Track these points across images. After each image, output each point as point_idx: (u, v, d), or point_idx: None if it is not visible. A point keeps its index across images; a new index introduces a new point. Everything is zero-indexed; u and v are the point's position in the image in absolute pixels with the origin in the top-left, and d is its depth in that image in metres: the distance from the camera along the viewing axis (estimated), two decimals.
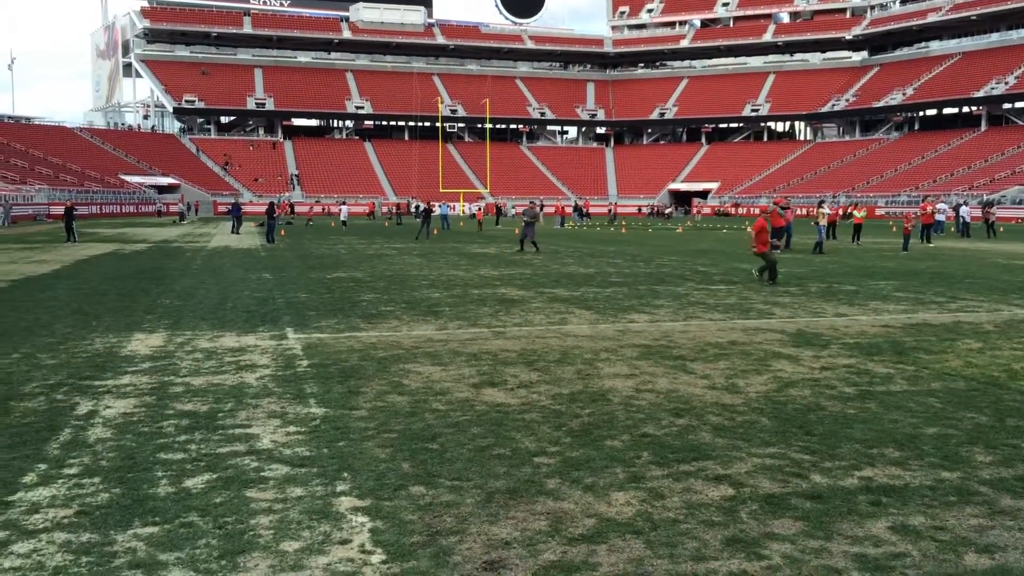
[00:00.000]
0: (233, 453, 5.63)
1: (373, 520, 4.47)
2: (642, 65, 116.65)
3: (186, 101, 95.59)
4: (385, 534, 4.28)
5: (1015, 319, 12.08)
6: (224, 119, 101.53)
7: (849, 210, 40.96)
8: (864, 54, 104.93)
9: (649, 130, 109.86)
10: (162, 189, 79.15)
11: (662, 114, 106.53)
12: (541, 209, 26.70)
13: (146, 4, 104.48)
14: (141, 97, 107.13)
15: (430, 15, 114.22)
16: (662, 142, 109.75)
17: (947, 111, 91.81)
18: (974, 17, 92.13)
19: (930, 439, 5.96)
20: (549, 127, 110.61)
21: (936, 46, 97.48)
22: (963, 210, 41.48)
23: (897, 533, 4.28)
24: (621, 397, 7.27)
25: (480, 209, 55.14)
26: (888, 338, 10.36)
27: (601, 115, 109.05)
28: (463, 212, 78.54)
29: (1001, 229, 43.03)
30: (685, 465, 5.38)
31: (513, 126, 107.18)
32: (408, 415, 6.64)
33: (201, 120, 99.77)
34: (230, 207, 44.27)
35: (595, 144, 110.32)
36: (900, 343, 9.98)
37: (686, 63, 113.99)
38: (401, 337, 10.46)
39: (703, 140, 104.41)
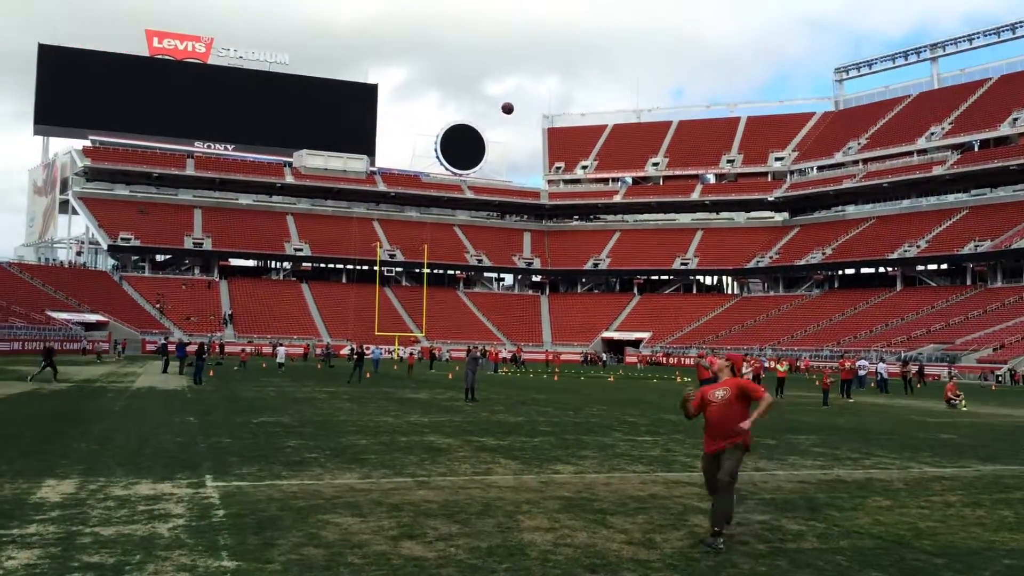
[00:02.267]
0: None
1: None
2: (577, 217, 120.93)
3: (121, 239, 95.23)
4: None
5: (924, 477, 12.52)
6: (160, 257, 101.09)
7: (771, 364, 42.14)
8: (785, 215, 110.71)
9: (583, 279, 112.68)
10: (90, 326, 77.48)
11: (596, 264, 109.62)
12: (484, 355, 26.72)
13: (88, 143, 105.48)
14: (76, 233, 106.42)
15: (372, 163, 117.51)
16: (596, 291, 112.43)
17: (864, 271, 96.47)
18: (886, 185, 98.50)
19: None
20: (486, 274, 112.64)
21: (852, 210, 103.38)
22: (881, 366, 43.04)
23: None
24: (539, 551, 7.32)
25: (411, 354, 55.17)
26: (803, 494, 10.63)
27: (537, 263, 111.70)
28: (397, 356, 78.39)
29: (919, 385, 44.65)
30: None
31: (451, 271, 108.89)
32: (323, 568, 6.57)
33: (136, 258, 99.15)
34: (176, 345, 43.55)
35: (531, 291, 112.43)
36: (814, 499, 10.25)
37: (619, 217, 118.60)
38: (323, 486, 10.36)
39: (635, 291, 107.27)
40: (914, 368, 44.15)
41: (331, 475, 11.22)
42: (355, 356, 38.63)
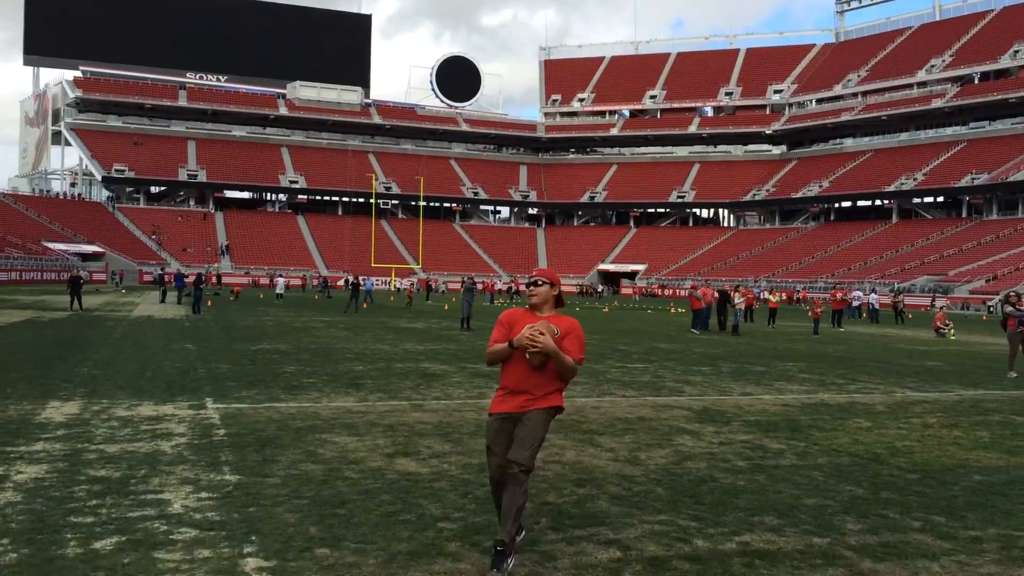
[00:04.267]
0: (143, 517, 5.76)
1: None
2: (573, 150, 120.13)
3: (116, 170, 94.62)
4: None
5: (906, 401, 12.85)
6: (154, 189, 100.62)
7: (764, 294, 42.44)
8: (783, 148, 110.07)
9: (579, 212, 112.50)
10: (86, 257, 77.57)
11: (592, 197, 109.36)
12: (472, 287, 26.79)
13: (79, 74, 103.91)
14: (70, 165, 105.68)
15: (367, 95, 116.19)
16: (592, 224, 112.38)
17: (861, 203, 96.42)
18: (884, 117, 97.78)
19: (808, 508, 6.43)
20: (482, 207, 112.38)
21: (850, 143, 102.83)
22: (873, 297, 43.39)
23: None
24: None
25: (411, 284, 55.43)
26: (786, 416, 10.95)
27: (533, 196, 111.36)
28: (394, 287, 78.69)
29: (910, 316, 45.12)
30: (579, 530, 5.72)
31: (447, 204, 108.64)
32: (320, 483, 6.84)
33: (130, 189, 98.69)
34: (174, 276, 43.84)
35: (527, 224, 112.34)
36: (796, 421, 10.57)
37: (615, 150, 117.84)
38: (320, 408, 10.64)
39: (631, 224, 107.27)
40: (903, 299, 44.49)
41: (328, 399, 11.50)
42: (351, 287, 38.90)
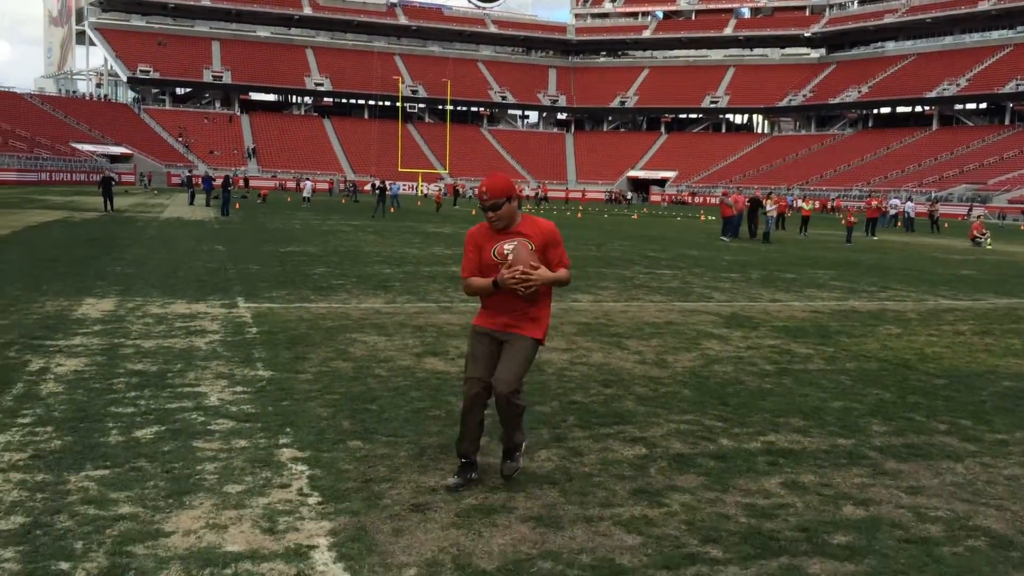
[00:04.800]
0: (181, 409, 5.92)
1: (312, 469, 4.81)
2: (604, 53, 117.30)
3: (141, 71, 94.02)
4: (322, 480, 4.63)
5: (938, 308, 12.75)
6: (179, 91, 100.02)
7: (797, 202, 41.84)
8: (822, 51, 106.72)
9: (609, 117, 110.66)
10: (115, 158, 77.87)
11: (623, 102, 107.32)
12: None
13: None
14: (94, 65, 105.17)
15: None
16: (622, 130, 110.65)
17: (900, 110, 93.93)
18: (929, 20, 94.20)
19: (834, 411, 6.47)
20: (510, 111, 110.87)
21: (891, 47, 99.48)
22: (908, 205, 42.69)
23: (787, 488, 4.75)
24: (555, 368, 7.68)
25: (439, 190, 55.22)
26: (815, 322, 10.92)
27: (562, 101, 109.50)
28: (421, 193, 78.51)
29: (946, 225, 44.42)
30: (606, 428, 5.81)
31: (474, 109, 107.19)
32: (351, 379, 6.97)
33: (156, 91, 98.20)
34: (202, 178, 44.02)
35: (556, 129, 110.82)
36: (825, 327, 10.54)
37: (648, 53, 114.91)
38: (350, 309, 10.76)
39: (662, 129, 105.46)
40: (940, 208, 43.71)
41: (357, 300, 11.61)
42: (377, 191, 38.86)
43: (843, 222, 31.97)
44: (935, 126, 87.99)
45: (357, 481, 4.63)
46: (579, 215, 48.36)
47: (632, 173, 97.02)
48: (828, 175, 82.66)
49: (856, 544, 4.00)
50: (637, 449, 5.36)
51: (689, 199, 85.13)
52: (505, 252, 4.52)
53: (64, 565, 3.52)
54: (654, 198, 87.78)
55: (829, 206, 67.44)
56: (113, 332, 8.63)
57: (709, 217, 49.13)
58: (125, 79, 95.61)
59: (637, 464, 5.07)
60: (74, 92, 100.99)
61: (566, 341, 9.06)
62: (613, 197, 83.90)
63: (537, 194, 69.00)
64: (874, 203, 37.03)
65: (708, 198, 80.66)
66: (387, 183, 44.47)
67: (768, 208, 29.97)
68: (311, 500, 4.34)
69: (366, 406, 6.16)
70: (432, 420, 5.88)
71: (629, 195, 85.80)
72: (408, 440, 5.41)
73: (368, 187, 73.42)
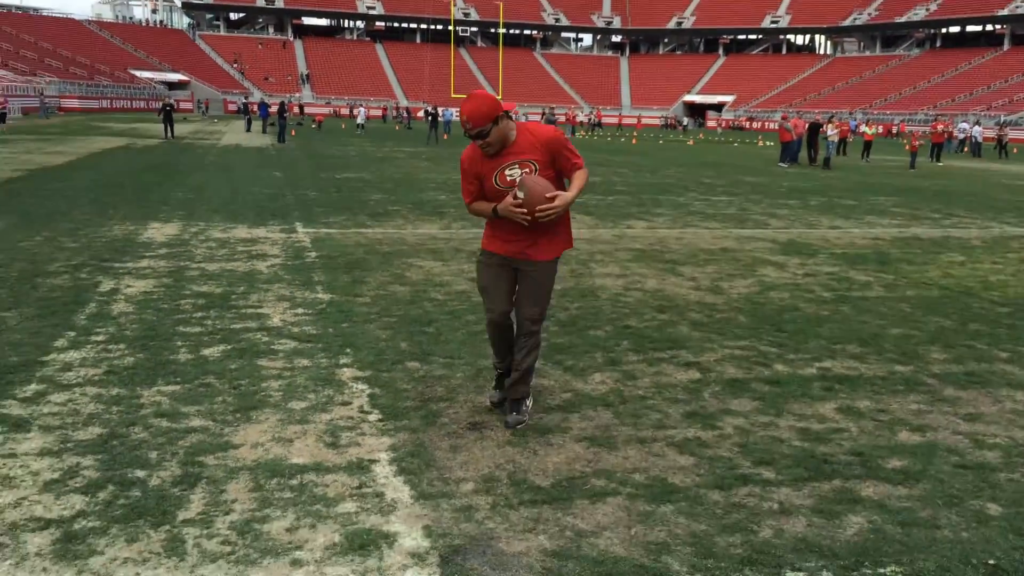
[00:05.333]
0: (246, 329, 6.10)
1: (372, 387, 4.95)
2: None
3: None
4: (382, 399, 4.77)
5: (1004, 236, 12.40)
6: (233, 16, 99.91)
7: (860, 127, 40.64)
8: None
9: (665, 39, 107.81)
10: (172, 85, 78.61)
11: (679, 23, 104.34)
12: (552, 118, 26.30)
13: None
14: None
15: None
16: (678, 52, 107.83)
17: (970, 29, 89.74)
18: None
19: (892, 338, 6.40)
20: (563, 34, 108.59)
21: None
22: (976, 130, 41.18)
23: (841, 413, 4.75)
24: (609, 294, 7.71)
25: None
26: (875, 249, 10.72)
27: (617, 23, 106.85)
28: None
29: (1015, 150, 42.80)
30: (660, 353, 5.84)
31: (527, 32, 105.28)
32: (408, 303, 7.09)
33: (210, 16, 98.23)
34: (258, 105, 44.31)
35: (610, 52, 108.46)
36: (885, 254, 10.35)
37: None
38: (406, 234, 10.86)
39: (720, 51, 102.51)
40: (1009, 133, 42.04)
41: (413, 225, 11.71)
42: (429, 117, 38.70)
43: (907, 147, 31.00)
44: (1006, 46, 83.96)
45: (415, 400, 4.76)
46: (633, 141, 47.66)
47: (688, 98, 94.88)
48: (892, 98, 79.84)
49: (911, 468, 4.01)
50: (691, 373, 5.40)
51: (747, 124, 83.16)
52: (508, 178, 4.15)
53: (140, 473, 3.72)
54: (710, 124, 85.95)
55: (893, 131, 65.34)
56: (178, 255, 8.86)
57: (767, 143, 48.03)
58: (179, 3, 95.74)
59: (691, 388, 5.11)
60: (130, 18, 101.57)
61: (620, 267, 9.05)
62: (668, 123, 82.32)
63: (591, 120, 68.04)
64: (940, 127, 35.78)
65: (766, 123, 78.69)
66: (439, 109, 44.17)
67: (829, 133, 29.17)
68: (371, 417, 4.49)
69: (423, 328, 6.28)
70: (487, 343, 5.96)
71: (685, 121, 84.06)
72: (464, 362, 5.51)
73: (421, 114, 73.16)
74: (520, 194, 4.04)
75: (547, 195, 4.04)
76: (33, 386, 4.77)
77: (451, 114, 49.55)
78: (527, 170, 4.15)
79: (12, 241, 9.34)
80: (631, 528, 3.35)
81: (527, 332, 4.35)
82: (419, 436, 4.25)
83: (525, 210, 4.05)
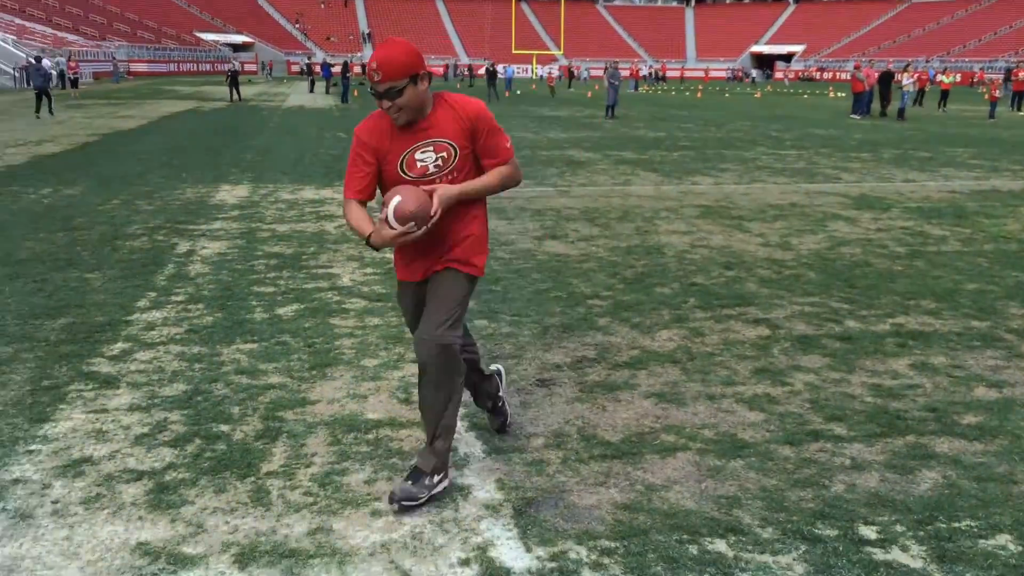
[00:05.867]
0: (317, 289, 6.25)
1: None
2: None
3: None
4: None
5: None
6: None
7: (937, 76, 39.16)
8: None
9: None
10: (237, 47, 79.53)
11: None
12: (615, 73, 25.68)
13: None
14: None
15: None
16: (746, 1, 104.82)
17: None
18: None
19: (969, 293, 6.25)
20: None
21: None
22: None
23: (916, 369, 4.68)
24: (675, 251, 7.66)
25: (550, 73, 54.03)
26: (951, 203, 10.41)
27: None
28: (535, 75, 77.27)
29: None
30: (728, 310, 5.81)
31: None
32: None
33: None
34: (321, 66, 44.66)
35: (675, 3, 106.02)
36: (962, 208, 10.04)
37: None
38: None
39: None
40: None
41: None
42: (488, 75, 38.51)
43: (986, 96, 29.77)
44: None
45: (484, 357, 4.83)
46: (698, 95, 46.74)
47: (755, 48, 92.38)
48: (972, 45, 76.49)
49: (987, 424, 3.95)
50: (760, 330, 5.36)
51: (817, 75, 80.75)
52: (419, 164, 3.12)
53: (224, 427, 3.87)
54: (778, 75, 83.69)
55: (972, 79, 62.75)
56: (249, 217, 9.07)
57: (839, 94, 46.64)
58: None
59: (760, 345, 5.08)
60: None
61: (686, 224, 8.97)
62: (735, 75, 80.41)
63: (655, 73, 66.86)
64: (1021, 75, 34.23)
65: (838, 73, 76.31)
66: (497, 66, 43.87)
67: (905, 83, 28.17)
68: None
69: (490, 287, 6.34)
70: (554, 301, 6.01)
71: (752, 73, 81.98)
72: (531, 320, 5.56)
73: (482, 71, 72.84)
74: (391, 214, 2.97)
75: (431, 208, 3.02)
76: (120, 345, 4.98)
77: (512, 71, 49.21)
78: (443, 155, 3.11)
79: (91, 205, 9.67)
80: (701, 483, 3.38)
81: (430, 361, 3.16)
82: None
83: (408, 228, 2.97)
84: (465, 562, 2.84)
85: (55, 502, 3.21)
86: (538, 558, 2.86)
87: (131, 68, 61.64)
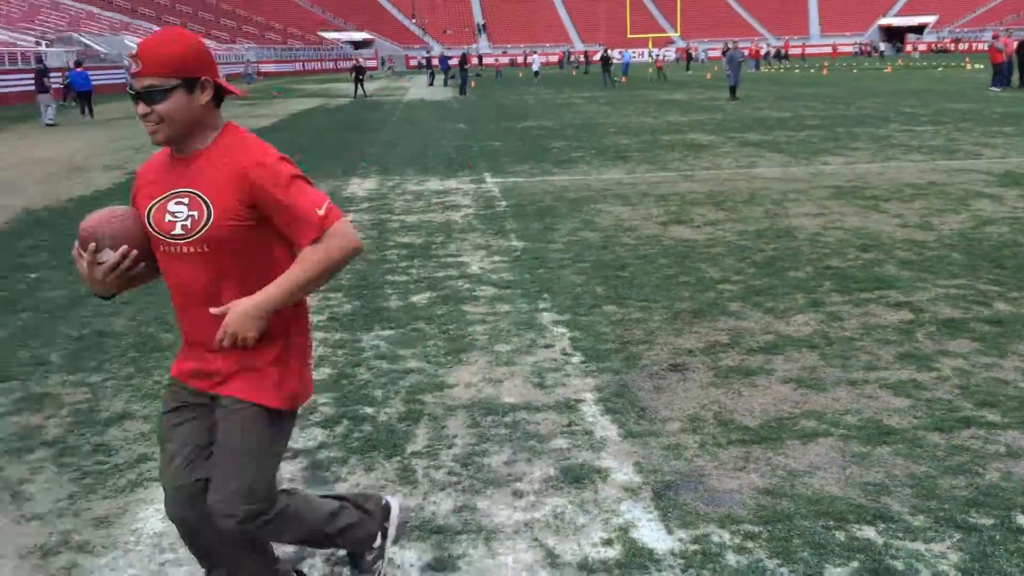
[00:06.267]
0: (448, 277, 6.41)
1: (571, 331, 5.09)
2: None
3: None
4: (582, 342, 4.90)
5: None
6: None
7: None
8: None
9: None
10: (358, 44, 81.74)
11: None
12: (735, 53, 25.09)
13: None
14: None
15: None
16: None
17: None
18: None
19: None
20: None
21: None
22: None
23: None
24: (807, 234, 7.46)
25: (660, 56, 52.99)
26: None
27: None
28: (652, 59, 76.24)
29: None
30: (866, 293, 5.63)
31: None
32: (600, 248, 7.17)
33: None
34: (439, 59, 45.45)
35: None
36: None
37: None
38: (591, 180, 10.92)
39: None
40: None
41: (598, 171, 11.74)
42: (603, 61, 38.24)
43: None
44: None
45: (615, 343, 4.86)
46: (824, 71, 45.06)
47: (884, 21, 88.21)
48: None
49: None
50: (902, 314, 5.17)
51: (952, 47, 76.46)
52: (168, 219, 2.14)
53: (369, 410, 4.04)
54: (909, 48, 79.68)
55: None
56: (379, 208, 9.37)
57: (976, 65, 44.06)
58: None
59: (902, 329, 4.91)
60: None
61: (817, 206, 8.72)
62: (862, 50, 77.06)
63: (777, 52, 64.85)
64: None
65: (975, 44, 72.00)
66: (617, 52, 43.47)
67: None
68: (574, 359, 4.63)
69: (617, 273, 6.35)
70: (683, 286, 5.97)
71: (881, 47, 78.33)
72: (661, 305, 5.55)
73: (597, 57, 72.43)
74: (100, 256, 2.16)
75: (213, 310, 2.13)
76: None
77: (629, 55, 48.70)
78: (193, 215, 2.11)
79: None
80: (846, 469, 3.31)
81: (226, 533, 2.27)
82: (622, 377, 4.35)
83: (98, 257, 2.16)
84: (607, 542, 2.88)
85: None
86: (680, 540, 2.87)
87: (260, 68, 64.26)
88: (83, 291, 6.26)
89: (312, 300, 5.90)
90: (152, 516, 3.15)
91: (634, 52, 66.25)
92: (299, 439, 3.75)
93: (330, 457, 3.56)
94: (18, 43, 39.14)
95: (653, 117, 20.17)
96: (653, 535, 2.91)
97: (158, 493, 3.29)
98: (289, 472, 3.45)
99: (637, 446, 3.58)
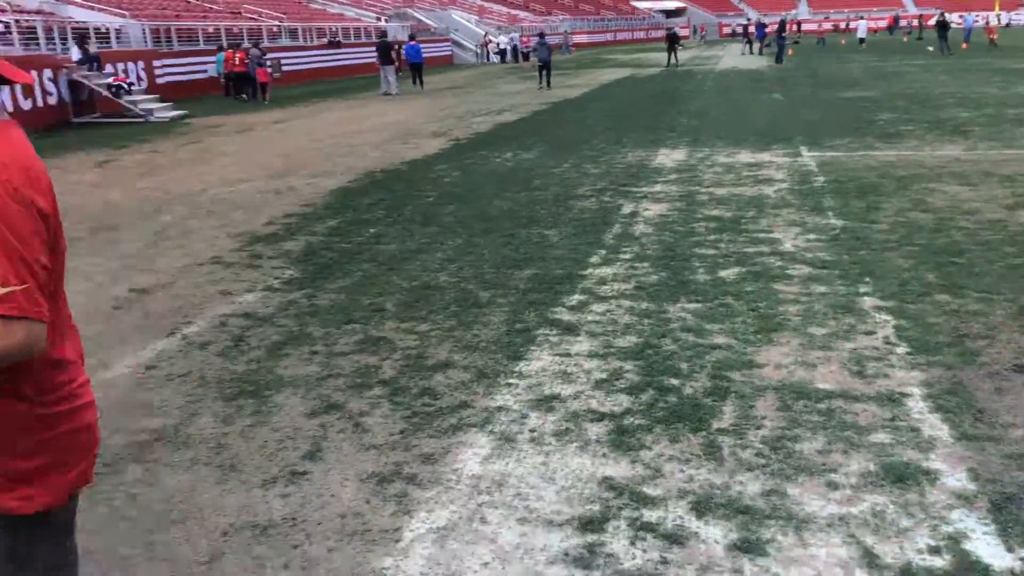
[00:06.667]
0: (758, 253, 6.19)
1: (896, 319, 4.71)
2: None
3: None
4: (909, 332, 4.51)
5: None
6: None
7: None
8: None
9: None
10: (670, 13, 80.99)
11: None
12: None
13: None
14: None
15: None
16: None
17: None
18: None
19: None
20: None
21: None
22: None
23: None
24: None
25: (989, 23, 46.41)
26: None
27: None
28: (998, 24, 67.78)
29: None
30: None
31: None
32: (932, 231, 6.55)
33: None
34: (755, 26, 43.92)
35: None
36: None
37: None
38: (923, 157, 9.98)
39: None
40: None
41: (931, 147, 10.71)
42: (938, 27, 34.52)
43: None
44: None
45: (949, 336, 4.42)
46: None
47: None
48: None
49: None
50: None
51: None
52: None
53: (674, 381, 4.03)
54: None
55: None
56: (688, 180, 9.25)
57: None
58: None
59: None
60: None
61: None
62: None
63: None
64: None
65: None
66: (950, 15, 39.01)
67: None
68: (899, 350, 4.28)
69: (952, 259, 5.77)
70: None
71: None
72: (1004, 298, 4.96)
73: (932, 22, 65.76)
74: None
75: None
76: (577, 296, 5.41)
77: (971, 19, 43.49)
78: None
79: (546, 167, 10.57)
80: None
81: None
82: (956, 374, 3.95)
83: None
84: (935, 550, 2.65)
85: (532, 431, 3.60)
86: (1022, 559, 2.57)
87: (573, 40, 65.83)
88: (413, 247, 6.83)
89: (620, 269, 5.97)
90: (471, 459, 3.38)
91: (976, 16, 59.27)
92: (605, 403, 3.82)
93: (635, 424, 3.60)
94: (362, 19, 43.27)
95: (999, 88, 17.98)
96: (990, 550, 2.63)
97: (476, 438, 3.53)
98: (595, 434, 3.53)
99: (972, 450, 3.25)
